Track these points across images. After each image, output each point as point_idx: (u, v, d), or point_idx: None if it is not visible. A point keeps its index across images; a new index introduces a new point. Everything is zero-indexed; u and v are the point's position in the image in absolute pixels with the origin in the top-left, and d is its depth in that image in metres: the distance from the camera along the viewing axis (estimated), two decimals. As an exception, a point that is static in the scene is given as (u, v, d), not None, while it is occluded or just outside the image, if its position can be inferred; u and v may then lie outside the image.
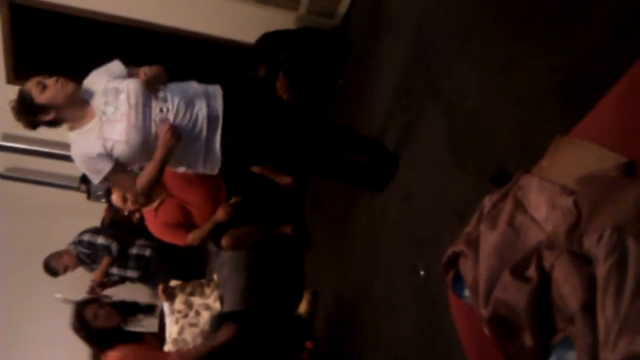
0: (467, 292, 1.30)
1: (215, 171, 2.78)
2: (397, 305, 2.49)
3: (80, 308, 3.33)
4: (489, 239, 1.19)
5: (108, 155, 2.47)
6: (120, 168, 2.52)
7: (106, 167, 2.49)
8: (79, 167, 2.61)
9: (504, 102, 2.01)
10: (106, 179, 2.53)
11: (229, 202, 3.69)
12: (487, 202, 1.28)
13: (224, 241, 3.68)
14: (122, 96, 2.45)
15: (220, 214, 3.69)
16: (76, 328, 3.43)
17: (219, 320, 3.37)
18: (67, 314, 5.36)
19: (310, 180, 3.85)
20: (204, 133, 2.61)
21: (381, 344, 2.51)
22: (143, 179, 2.52)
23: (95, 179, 2.55)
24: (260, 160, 3.03)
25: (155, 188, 3.71)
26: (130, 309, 4.10)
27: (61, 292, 5.24)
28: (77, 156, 2.54)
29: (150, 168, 2.51)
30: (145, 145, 2.47)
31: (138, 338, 2.94)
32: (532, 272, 1.09)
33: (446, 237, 2.13)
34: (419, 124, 2.56)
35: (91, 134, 2.49)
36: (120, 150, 2.44)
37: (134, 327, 4.12)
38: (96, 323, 3.46)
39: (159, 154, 2.46)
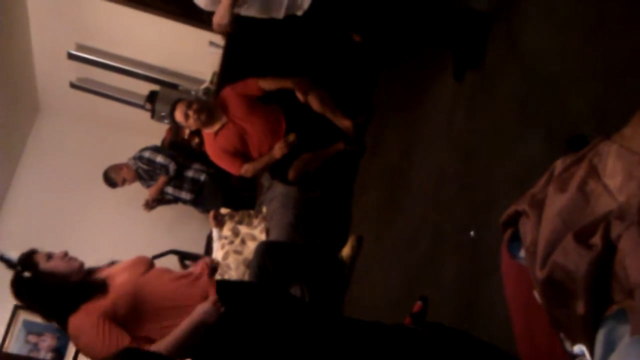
0: (522, 253, 1.28)
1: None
2: (440, 262, 2.48)
3: None
4: (556, 202, 1.16)
5: None
6: None
7: None
8: None
9: (587, 67, 1.92)
10: None
11: (286, 139, 3.73)
12: (559, 164, 1.24)
13: (291, 174, 3.75)
14: None
15: (278, 151, 3.74)
16: None
17: (262, 247, 3.44)
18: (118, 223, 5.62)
19: (369, 128, 3.81)
20: None
21: (418, 299, 2.51)
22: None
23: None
24: (349, 19, 2.76)
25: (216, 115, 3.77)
26: None
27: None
28: None
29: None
30: None
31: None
32: (597, 239, 1.06)
33: (503, 201, 2.09)
34: (493, 77, 2.48)
35: None
36: None
37: None
38: None
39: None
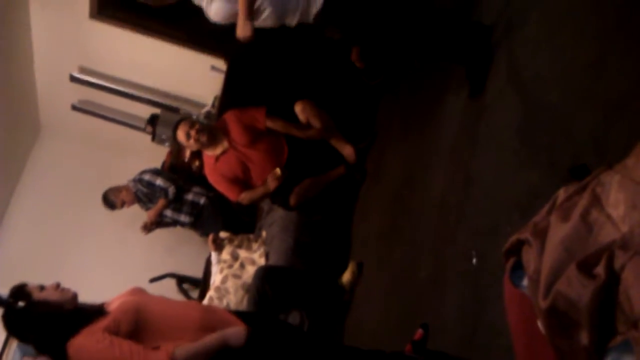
0: (525, 282, 1.28)
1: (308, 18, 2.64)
2: (442, 289, 2.47)
3: None
4: (559, 231, 1.16)
5: None
6: None
7: None
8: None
9: (587, 98, 1.93)
10: None
11: (274, 173, 3.72)
12: (562, 193, 1.24)
13: (292, 199, 3.75)
14: None
15: (271, 184, 3.74)
16: None
17: (262, 272, 3.43)
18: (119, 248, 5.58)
19: (370, 154, 3.83)
20: None
21: (419, 326, 2.49)
22: None
23: None
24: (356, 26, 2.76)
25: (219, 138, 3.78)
26: None
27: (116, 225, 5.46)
28: None
29: None
30: None
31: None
32: (600, 269, 1.06)
33: (505, 229, 2.09)
34: (495, 104, 2.50)
35: None
36: None
37: None
38: None
39: None
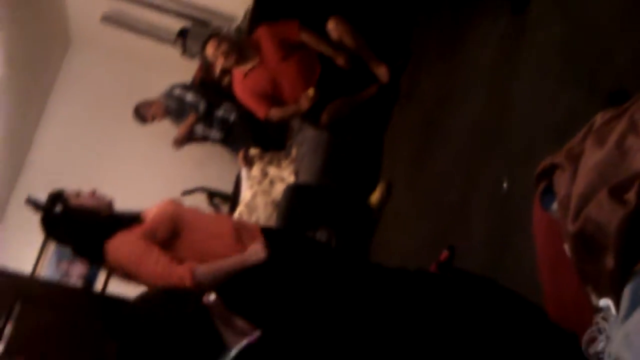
0: (555, 206, 1.28)
1: None
2: (471, 213, 2.48)
3: None
4: (593, 156, 1.15)
5: None
6: None
7: None
8: None
9: (633, 22, 1.85)
10: None
11: (306, 94, 3.68)
12: (599, 118, 1.22)
13: (324, 117, 3.73)
14: None
15: (304, 104, 3.70)
16: None
17: (291, 191, 3.48)
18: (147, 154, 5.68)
19: (404, 75, 3.75)
20: None
21: (446, 248, 2.53)
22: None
23: None
24: None
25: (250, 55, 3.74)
26: None
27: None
28: None
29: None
30: None
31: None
32: (631, 195, 1.05)
33: (540, 153, 2.05)
34: (537, 23, 2.41)
35: None
36: None
37: None
38: None
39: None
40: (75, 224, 2.09)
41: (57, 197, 2.12)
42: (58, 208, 2.08)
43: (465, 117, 2.80)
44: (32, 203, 2.14)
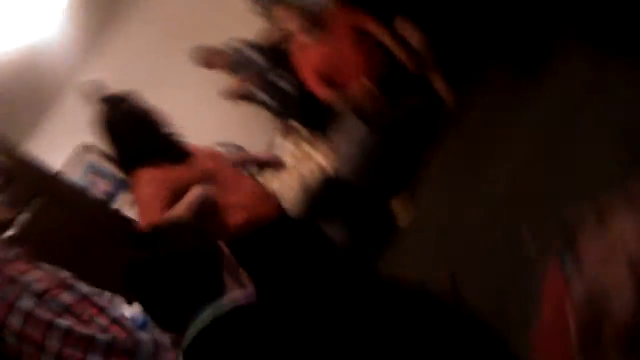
0: (570, 266, 1.29)
1: None
2: (488, 246, 2.49)
3: None
4: (626, 226, 1.15)
5: None
6: None
7: None
8: None
9: None
10: None
11: (366, 84, 3.68)
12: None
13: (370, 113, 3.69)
14: None
15: (359, 92, 3.70)
16: None
17: (327, 182, 3.49)
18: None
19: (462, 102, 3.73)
20: None
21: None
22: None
23: None
24: None
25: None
26: None
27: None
28: None
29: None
30: None
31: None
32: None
33: (575, 213, 2.05)
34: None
35: None
36: None
37: None
38: None
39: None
40: (135, 125, 2.11)
41: (126, 97, 2.14)
42: (126, 105, 2.10)
43: (510, 161, 2.79)
44: (104, 95, 2.18)
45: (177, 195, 2.03)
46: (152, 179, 2.06)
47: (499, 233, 2.53)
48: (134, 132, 2.11)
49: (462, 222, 2.83)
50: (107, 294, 1.74)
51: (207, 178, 2.10)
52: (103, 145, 2.23)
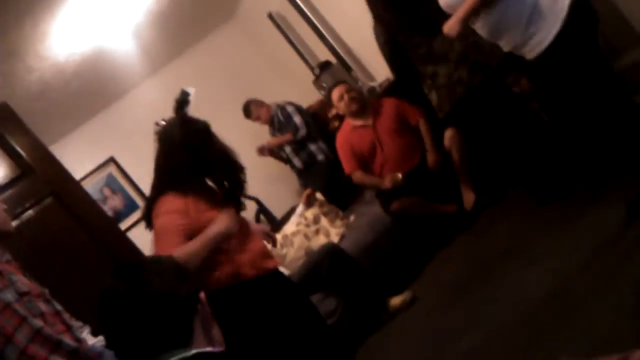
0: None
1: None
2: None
3: None
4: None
5: None
6: None
7: None
8: None
9: None
10: None
11: (395, 176, 3.73)
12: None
13: (394, 205, 3.72)
14: None
15: (387, 182, 3.73)
16: None
17: (329, 248, 3.47)
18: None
19: (486, 212, 3.71)
20: None
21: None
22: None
23: None
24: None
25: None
26: None
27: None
28: None
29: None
30: None
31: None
32: None
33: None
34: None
35: None
36: None
37: None
38: None
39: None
40: (201, 151, 2.19)
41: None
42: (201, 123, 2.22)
43: (520, 285, 2.71)
44: (185, 96, 2.39)
45: (193, 231, 2.06)
46: (168, 209, 2.08)
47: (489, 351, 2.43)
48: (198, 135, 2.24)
49: (449, 333, 2.74)
50: (78, 322, 1.82)
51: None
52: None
